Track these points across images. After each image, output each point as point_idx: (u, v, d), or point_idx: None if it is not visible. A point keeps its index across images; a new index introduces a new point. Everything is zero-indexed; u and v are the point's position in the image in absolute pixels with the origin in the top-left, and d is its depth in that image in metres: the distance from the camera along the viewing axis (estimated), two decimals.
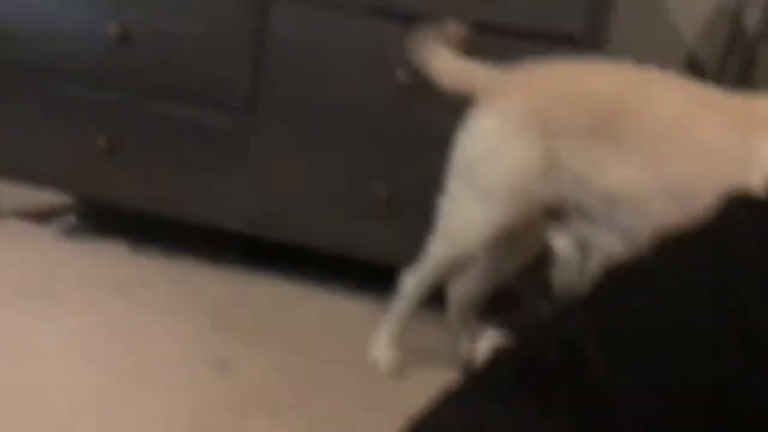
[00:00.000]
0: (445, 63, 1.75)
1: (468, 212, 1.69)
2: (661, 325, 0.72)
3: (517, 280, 1.96)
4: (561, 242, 1.72)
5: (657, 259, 0.78)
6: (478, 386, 0.84)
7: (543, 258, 2.04)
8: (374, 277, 1.92)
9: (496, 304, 1.95)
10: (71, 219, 2.41)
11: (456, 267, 1.79)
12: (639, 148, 1.51)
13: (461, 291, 1.88)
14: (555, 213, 1.68)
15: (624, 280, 0.77)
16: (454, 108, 1.71)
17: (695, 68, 2.01)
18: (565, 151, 1.60)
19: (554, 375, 0.75)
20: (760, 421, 0.66)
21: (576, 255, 1.82)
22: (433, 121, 1.74)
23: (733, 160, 1.40)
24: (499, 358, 0.83)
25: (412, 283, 1.79)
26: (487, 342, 1.87)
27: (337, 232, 2.11)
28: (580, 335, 0.75)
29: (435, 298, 1.86)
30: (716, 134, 1.45)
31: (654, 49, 2.18)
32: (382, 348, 1.80)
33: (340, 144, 2.08)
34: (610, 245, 1.57)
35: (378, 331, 1.82)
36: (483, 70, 1.73)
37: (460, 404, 0.83)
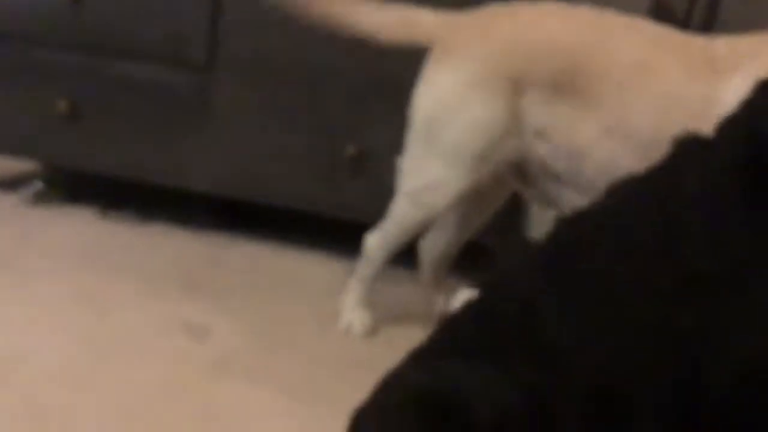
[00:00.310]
0: (373, 14, 1.68)
1: (431, 173, 1.65)
2: (612, 272, 0.72)
3: (493, 236, 1.95)
4: (530, 198, 1.70)
5: (607, 205, 0.78)
6: (440, 345, 0.84)
7: (517, 213, 2.03)
8: (347, 237, 1.91)
9: (471, 261, 1.95)
10: (38, 185, 2.37)
11: (422, 228, 1.77)
12: (601, 98, 1.48)
13: (431, 248, 1.87)
14: (521, 169, 1.66)
15: (576, 229, 0.77)
16: (421, 59, 1.67)
17: (662, 10, 1.98)
18: (527, 106, 1.56)
19: (512, 332, 0.75)
20: (703, 357, 0.67)
21: (549, 210, 1.81)
22: (399, 74, 1.70)
23: (696, 106, 1.38)
24: (459, 316, 0.83)
25: (376, 244, 1.76)
26: (461, 299, 1.86)
27: (305, 191, 2.09)
28: (535, 291, 0.75)
29: (408, 254, 1.85)
30: (678, 79, 1.43)
31: None
32: (352, 311, 1.79)
33: (304, 100, 2.04)
34: (576, 203, 1.56)
35: (346, 295, 1.81)
36: (429, 17, 1.65)
37: (423, 363, 0.83)
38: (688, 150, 0.74)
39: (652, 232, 0.70)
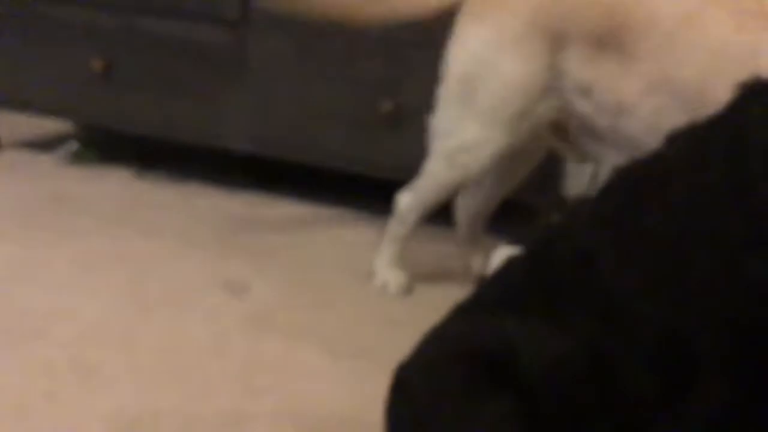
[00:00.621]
0: None
1: (467, 134, 1.61)
2: (677, 221, 0.70)
3: (530, 194, 1.93)
4: (571, 157, 1.66)
5: (667, 155, 0.76)
6: (488, 299, 0.82)
7: (555, 171, 2.00)
8: (386, 195, 1.90)
9: (510, 219, 1.93)
10: (74, 145, 2.38)
11: (457, 189, 1.74)
12: (646, 52, 1.45)
13: (468, 206, 1.85)
14: (560, 128, 1.62)
15: (635, 182, 0.75)
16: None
17: None
18: (568, 62, 1.52)
19: (567, 283, 0.74)
20: (761, 314, 0.65)
21: (587, 167, 1.78)
22: (437, 27, 1.67)
23: (745, 58, 1.35)
24: (510, 269, 0.82)
25: (408, 204, 1.74)
26: (500, 257, 1.84)
27: (342, 147, 2.07)
28: (591, 243, 0.73)
29: (445, 212, 1.83)
30: (724, 32, 1.39)
31: None
32: (386, 270, 1.78)
33: (341, 56, 2.02)
34: (617, 161, 1.53)
35: (379, 255, 1.79)
36: None
37: (470, 317, 0.82)
38: (753, 95, 0.71)
39: (718, 180, 0.68)
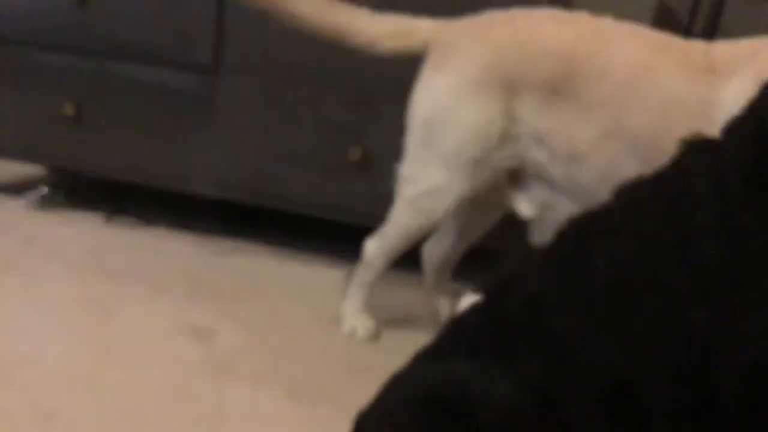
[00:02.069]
0: (369, 25, 1.67)
1: (430, 178, 1.64)
2: (623, 269, 0.72)
3: (497, 241, 1.95)
4: (524, 206, 1.69)
5: (615, 208, 0.78)
6: (445, 345, 0.84)
7: (521, 218, 2.03)
8: (352, 240, 1.91)
9: (477, 265, 1.94)
10: (43, 190, 2.38)
11: (423, 234, 1.76)
12: (599, 102, 1.48)
13: (434, 253, 1.87)
14: (516, 177, 1.65)
15: (583, 231, 0.77)
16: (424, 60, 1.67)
17: (666, 18, 1.99)
18: (523, 110, 1.55)
19: (518, 329, 0.75)
20: (716, 353, 0.67)
21: (546, 215, 1.80)
22: (404, 75, 1.70)
23: (696, 108, 1.38)
24: (464, 316, 0.83)
25: (375, 250, 1.75)
26: (467, 304, 1.86)
27: (310, 193, 2.09)
28: (542, 288, 0.75)
29: (412, 258, 1.85)
30: (677, 82, 1.42)
31: None
32: (353, 316, 1.79)
33: (310, 102, 2.05)
34: (570, 211, 1.55)
35: (346, 300, 1.80)
36: (425, 24, 1.65)
37: (428, 364, 0.83)
38: (696, 151, 0.74)
39: (663, 231, 0.70)
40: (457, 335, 0.84)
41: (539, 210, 1.66)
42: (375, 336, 1.78)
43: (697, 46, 1.47)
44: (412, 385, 0.81)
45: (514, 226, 1.95)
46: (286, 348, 1.67)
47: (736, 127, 0.76)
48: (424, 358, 0.84)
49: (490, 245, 1.95)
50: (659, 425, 0.68)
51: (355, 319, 1.78)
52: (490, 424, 0.72)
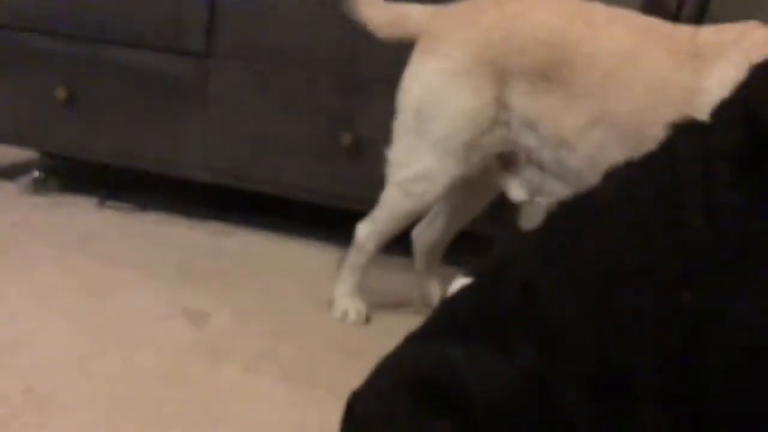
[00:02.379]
0: (376, 9, 1.70)
1: (421, 163, 1.65)
2: (612, 254, 0.73)
3: (487, 225, 1.96)
4: (516, 190, 1.70)
5: (604, 191, 0.79)
6: (437, 328, 0.85)
7: (512, 202, 2.04)
8: (344, 224, 1.92)
9: (467, 249, 1.96)
10: (36, 174, 2.38)
11: (413, 218, 1.77)
12: (587, 88, 1.49)
13: (424, 236, 1.89)
14: (507, 160, 1.66)
15: (573, 215, 0.78)
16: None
17: (655, 4, 1.99)
18: (513, 96, 1.56)
19: (510, 314, 0.76)
20: (705, 337, 0.68)
21: (536, 198, 1.82)
22: (396, 60, 1.71)
23: (682, 93, 1.39)
24: (456, 300, 0.84)
25: (367, 234, 1.77)
26: (457, 288, 1.87)
27: (302, 178, 2.10)
28: (533, 273, 0.76)
29: (403, 242, 1.86)
30: (664, 68, 1.43)
31: None
32: (345, 300, 1.80)
33: (301, 88, 2.05)
34: (561, 194, 1.56)
35: (339, 284, 1.82)
36: (417, 10, 1.67)
37: (420, 346, 0.84)
38: (684, 134, 0.75)
39: (651, 215, 0.71)
40: (448, 319, 0.85)
41: (530, 194, 1.67)
42: (366, 319, 1.80)
43: (683, 31, 1.48)
44: (403, 367, 0.82)
45: (503, 210, 1.97)
46: (279, 331, 1.69)
47: (724, 111, 0.76)
48: (415, 341, 0.85)
49: (479, 229, 1.96)
50: (650, 407, 0.69)
51: (347, 303, 1.80)
52: (480, 404, 0.73)
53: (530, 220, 2.11)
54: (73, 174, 2.45)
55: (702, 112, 0.79)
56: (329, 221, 2.20)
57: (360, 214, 1.80)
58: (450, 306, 0.89)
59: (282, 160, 2.10)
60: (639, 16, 1.54)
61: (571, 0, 1.57)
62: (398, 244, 1.83)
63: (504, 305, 0.78)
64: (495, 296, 0.80)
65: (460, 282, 1.82)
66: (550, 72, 1.51)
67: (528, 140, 1.58)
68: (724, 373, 0.66)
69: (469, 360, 0.75)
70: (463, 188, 1.73)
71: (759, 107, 0.71)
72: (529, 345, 0.74)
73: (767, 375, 0.65)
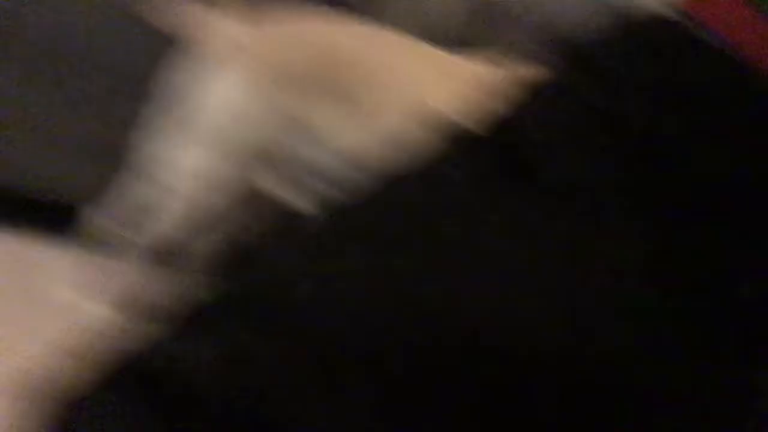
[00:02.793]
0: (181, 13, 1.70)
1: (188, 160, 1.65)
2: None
3: None
4: None
5: (366, 195, 0.76)
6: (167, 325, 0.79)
7: None
8: None
9: None
10: None
11: None
12: (359, 103, 1.51)
13: None
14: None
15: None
16: None
17: None
18: (300, 111, 1.56)
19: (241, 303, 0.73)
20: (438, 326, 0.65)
21: None
22: None
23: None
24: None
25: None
26: None
27: None
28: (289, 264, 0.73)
29: None
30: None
31: None
32: None
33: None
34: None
35: None
36: (215, 20, 1.68)
37: (145, 344, 0.78)
38: (452, 140, 0.73)
39: (400, 219, 0.69)
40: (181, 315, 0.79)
41: None
42: None
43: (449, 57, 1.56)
44: (125, 366, 0.75)
45: None
46: None
47: (486, 120, 0.75)
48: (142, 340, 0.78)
49: None
50: (364, 391, 0.64)
51: None
52: (197, 390, 0.67)
53: None
54: None
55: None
56: None
57: None
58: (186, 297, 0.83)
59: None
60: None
61: (350, 21, 1.62)
62: None
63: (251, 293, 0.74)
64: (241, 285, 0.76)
65: None
66: (320, 78, 1.57)
67: (320, 157, 1.61)
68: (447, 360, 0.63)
69: (187, 348, 0.70)
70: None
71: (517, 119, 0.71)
72: (251, 331, 0.69)
73: (487, 366, 0.63)
